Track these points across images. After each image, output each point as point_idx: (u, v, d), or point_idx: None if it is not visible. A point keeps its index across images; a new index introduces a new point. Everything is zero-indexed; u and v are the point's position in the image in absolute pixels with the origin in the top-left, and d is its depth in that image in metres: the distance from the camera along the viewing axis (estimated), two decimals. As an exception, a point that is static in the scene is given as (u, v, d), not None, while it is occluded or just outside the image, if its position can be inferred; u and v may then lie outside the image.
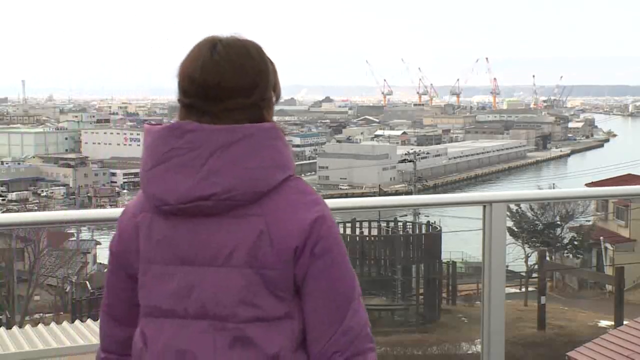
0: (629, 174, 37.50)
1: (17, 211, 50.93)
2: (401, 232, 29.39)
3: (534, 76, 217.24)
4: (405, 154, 64.45)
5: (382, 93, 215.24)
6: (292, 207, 1.78)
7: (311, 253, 1.77)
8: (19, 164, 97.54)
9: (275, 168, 1.78)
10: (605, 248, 35.08)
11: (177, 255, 1.80)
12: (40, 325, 15.83)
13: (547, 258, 32.21)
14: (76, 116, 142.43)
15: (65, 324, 16.05)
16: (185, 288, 1.79)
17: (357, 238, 28.22)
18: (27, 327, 15.81)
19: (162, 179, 1.77)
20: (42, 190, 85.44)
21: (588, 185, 32.91)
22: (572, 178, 65.54)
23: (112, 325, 1.97)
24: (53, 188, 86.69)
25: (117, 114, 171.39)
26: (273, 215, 1.76)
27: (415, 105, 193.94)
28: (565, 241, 38.09)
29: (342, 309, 1.79)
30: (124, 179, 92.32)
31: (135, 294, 1.89)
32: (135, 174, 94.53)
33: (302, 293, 1.80)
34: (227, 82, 1.80)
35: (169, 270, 1.81)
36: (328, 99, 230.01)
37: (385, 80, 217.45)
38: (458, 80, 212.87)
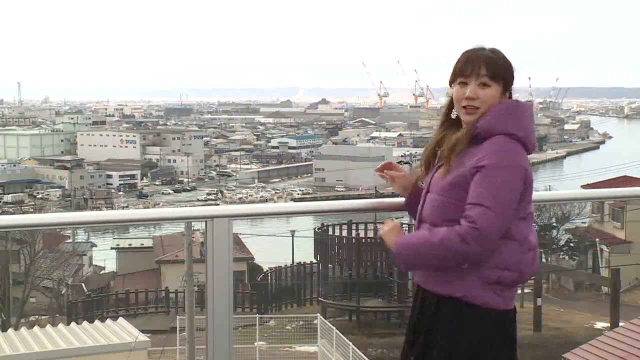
0: (625, 176, 37.55)
1: (13, 213, 50.84)
2: (398, 234, 29.27)
3: (529, 78, 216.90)
4: (402, 156, 64.59)
5: (378, 95, 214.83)
6: None
7: None
8: (14, 165, 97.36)
9: None
10: (601, 250, 35.12)
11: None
12: (36, 328, 15.80)
13: (543, 260, 32.21)
14: (72, 118, 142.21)
15: (60, 326, 16.04)
16: None
17: (354, 240, 28.22)
18: (23, 329, 15.77)
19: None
20: (38, 192, 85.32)
21: (584, 187, 32.89)
22: (568, 180, 65.53)
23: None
24: (49, 190, 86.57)
25: (113, 115, 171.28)
26: None
27: (411, 107, 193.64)
28: (561, 243, 38.18)
29: None
30: (119, 181, 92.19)
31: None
32: (131, 176, 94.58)
33: None
34: (510, 70, 2.78)
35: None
36: (324, 101, 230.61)
37: (381, 82, 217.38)
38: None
